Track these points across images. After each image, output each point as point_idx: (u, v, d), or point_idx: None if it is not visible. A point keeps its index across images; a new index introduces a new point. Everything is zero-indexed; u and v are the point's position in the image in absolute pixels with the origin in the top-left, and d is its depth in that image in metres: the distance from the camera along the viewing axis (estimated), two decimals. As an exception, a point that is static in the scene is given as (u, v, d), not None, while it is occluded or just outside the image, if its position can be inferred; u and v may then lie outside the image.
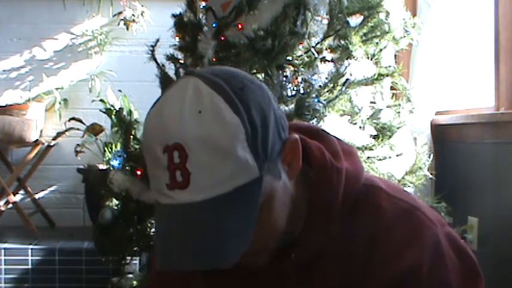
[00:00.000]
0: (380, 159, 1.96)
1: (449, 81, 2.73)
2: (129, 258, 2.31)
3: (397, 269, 0.90)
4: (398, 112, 2.15)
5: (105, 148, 3.72)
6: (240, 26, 1.97)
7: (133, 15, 4.03)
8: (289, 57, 1.93)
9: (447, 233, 0.95)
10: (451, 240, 0.95)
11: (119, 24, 4.05)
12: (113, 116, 3.66)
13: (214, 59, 1.98)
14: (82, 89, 4.08)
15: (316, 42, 1.97)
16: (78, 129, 3.83)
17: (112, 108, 3.65)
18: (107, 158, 3.54)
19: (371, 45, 2.06)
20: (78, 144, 3.73)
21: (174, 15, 2.23)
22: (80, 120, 3.83)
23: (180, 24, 2.20)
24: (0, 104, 3.92)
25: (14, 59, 4.12)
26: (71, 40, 4.14)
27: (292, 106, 1.88)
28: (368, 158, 1.93)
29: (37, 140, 3.80)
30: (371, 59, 2.06)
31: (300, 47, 1.95)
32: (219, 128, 0.80)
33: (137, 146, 2.19)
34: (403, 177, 2.06)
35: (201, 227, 0.82)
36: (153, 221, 2.12)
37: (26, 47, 4.11)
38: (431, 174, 2.31)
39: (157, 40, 2.24)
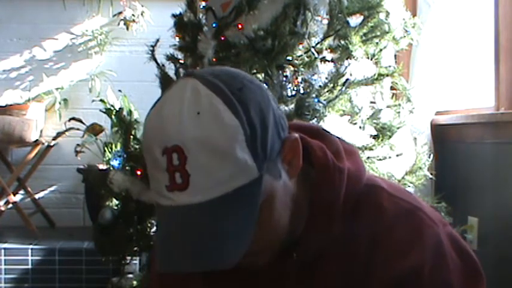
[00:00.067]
0: (380, 159, 1.96)
1: (449, 81, 2.73)
2: (129, 258, 2.31)
3: (399, 269, 0.90)
4: (398, 112, 2.15)
5: (105, 148, 3.71)
6: (240, 26, 1.97)
7: (133, 15, 4.03)
8: (289, 57, 1.93)
9: (449, 233, 0.95)
10: (452, 240, 0.95)
11: (118, 24, 4.05)
12: (113, 116, 3.65)
13: (214, 59, 1.98)
14: (82, 89, 4.08)
15: (316, 42, 1.97)
16: (78, 129, 3.83)
17: (112, 108, 3.65)
18: (107, 158, 3.54)
19: (371, 45, 2.06)
20: (78, 144, 3.72)
21: (174, 15, 2.23)
22: (80, 120, 3.82)
23: (180, 24, 2.20)
24: (0, 104, 3.92)
25: (14, 59, 4.12)
26: (71, 40, 4.14)
27: (292, 106, 1.88)
28: (368, 158, 1.93)
29: (37, 140, 3.80)
30: (371, 59, 2.06)
31: (300, 47, 1.95)
32: (218, 130, 0.80)
33: (137, 146, 2.19)
34: (403, 177, 2.06)
35: (199, 229, 0.82)
36: (153, 221, 2.13)
37: (26, 47, 4.11)
38: (431, 174, 2.31)
39: (157, 40, 2.24)
